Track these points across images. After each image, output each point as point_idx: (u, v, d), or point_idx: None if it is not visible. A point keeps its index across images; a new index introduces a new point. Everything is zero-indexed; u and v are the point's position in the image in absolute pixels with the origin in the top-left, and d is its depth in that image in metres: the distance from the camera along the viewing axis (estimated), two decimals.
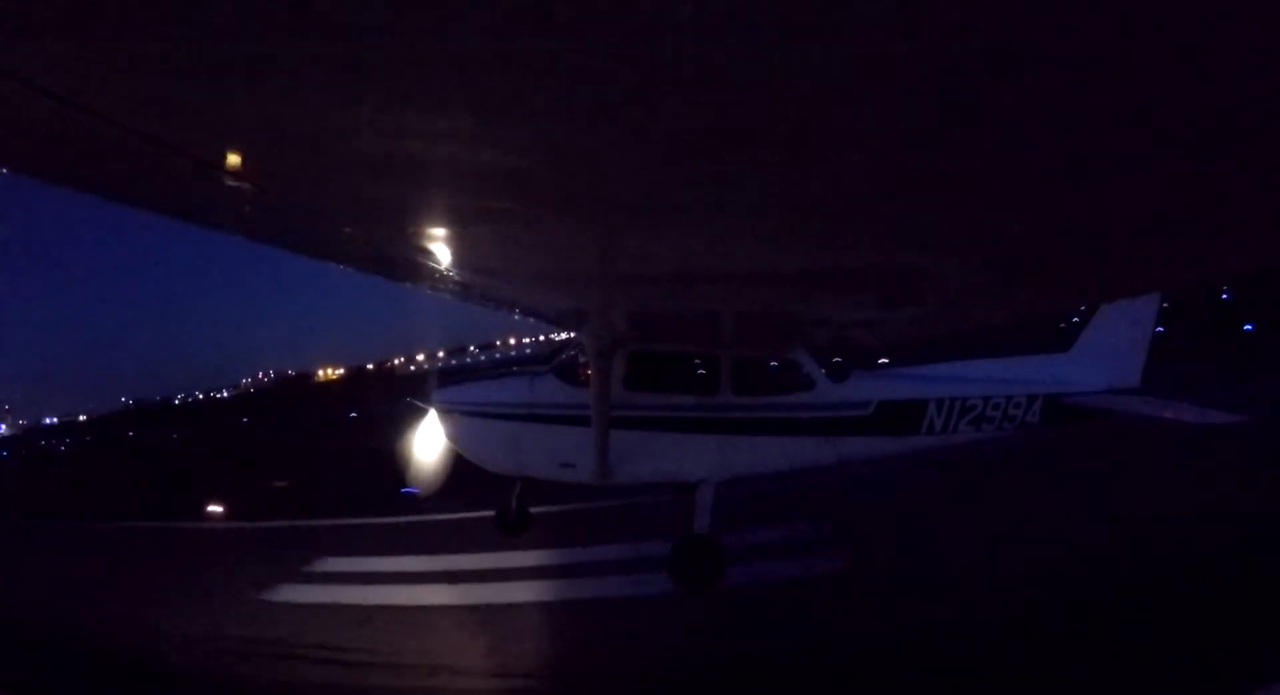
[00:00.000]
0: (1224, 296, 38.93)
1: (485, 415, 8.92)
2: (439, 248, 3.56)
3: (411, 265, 4.00)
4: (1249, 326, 34.56)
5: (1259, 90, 1.59)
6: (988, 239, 3.37)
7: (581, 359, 8.88)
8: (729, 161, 2.15)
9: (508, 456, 8.88)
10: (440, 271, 4.26)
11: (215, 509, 14.67)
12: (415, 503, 11.79)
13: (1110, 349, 9.58)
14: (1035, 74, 1.52)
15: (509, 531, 9.96)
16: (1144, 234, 3.20)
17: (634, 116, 1.81)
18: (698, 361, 8.69)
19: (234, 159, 2.06)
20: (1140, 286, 7.09)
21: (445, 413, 9.22)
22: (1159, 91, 1.61)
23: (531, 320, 9.15)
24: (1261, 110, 1.70)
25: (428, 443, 9.24)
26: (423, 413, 9.50)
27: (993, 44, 1.39)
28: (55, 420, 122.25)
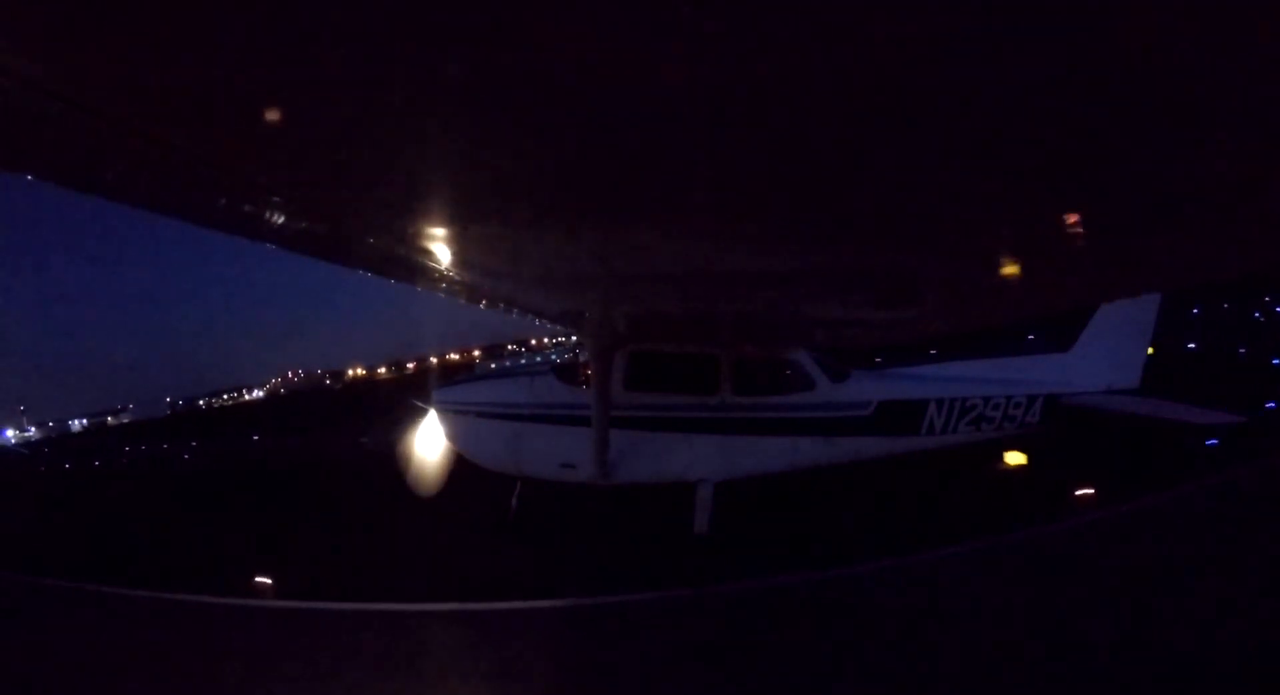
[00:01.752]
0: None
1: (485, 415, 8.95)
2: (439, 249, 3.57)
3: (411, 266, 4.01)
4: None
5: (1255, 91, 1.59)
6: (986, 238, 3.38)
7: (581, 359, 8.91)
8: (729, 163, 2.16)
9: (508, 456, 8.90)
10: (440, 272, 4.27)
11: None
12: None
13: (1110, 349, 9.60)
14: (1032, 75, 1.52)
15: (508, 533, 9.97)
16: (1142, 234, 3.21)
17: (634, 118, 1.82)
18: (698, 361, 8.71)
19: (241, 161, 2.07)
20: (1140, 286, 7.10)
21: (445, 413, 9.24)
22: (1155, 92, 1.62)
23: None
24: (1256, 110, 1.70)
25: (428, 443, 9.25)
26: (423, 413, 9.52)
27: (990, 47, 1.40)
28: (84, 422, 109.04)
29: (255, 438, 33.62)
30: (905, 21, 1.31)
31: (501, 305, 7.10)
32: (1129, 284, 6.05)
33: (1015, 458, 10.53)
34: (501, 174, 2.30)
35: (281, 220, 2.69)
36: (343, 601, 7.96)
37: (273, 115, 1.72)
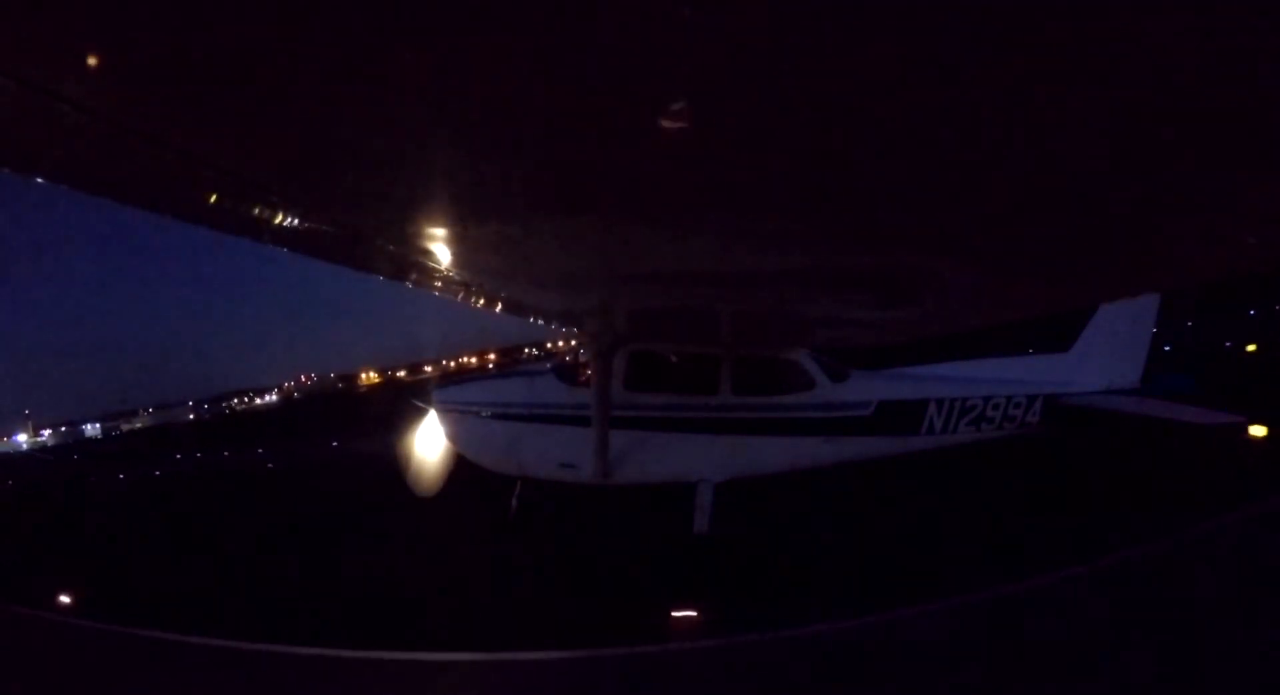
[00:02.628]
0: None
1: (485, 415, 8.95)
2: (439, 249, 3.57)
3: (413, 267, 4.02)
4: None
5: (1252, 91, 1.60)
6: (986, 239, 3.38)
7: (581, 359, 8.92)
8: (729, 163, 2.16)
9: (508, 456, 8.90)
10: (441, 273, 4.27)
11: None
12: None
13: (1110, 349, 9.60)
14: (1029, 77, 1.53)
15: (508, 533, 9.96)
16: (1141, 235, 3.21)
17: (635, 118, 1.82)
18: (698, 361, 8.71)
19: (242, 162, 2.07)
20: (1140, 286, 7.10)
21: (445, 412, 9.24)
22: (1152, 93, 1.62)
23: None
24: (1254, 110, 1.71)
25: (428, 443, 9.25)
26: (423, 413, 9.52)
27: (988, 49, 1.40)
28: (98, 427, 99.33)
29: (274, 444, 31.69)
30: (905, 23, 1.31)
31: (502, 306, 7.11)
32: (1129, 284, 6.05)
33: (1258, 430, 10.54)
34: (501, 174, 2.31)
35: (282, 221, 2.69)
36: (354, 649, 7.27)
37: (275, 116, 1.73)
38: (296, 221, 2.90)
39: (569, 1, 1.26)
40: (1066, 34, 1.35)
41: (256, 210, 2.57)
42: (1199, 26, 1.31)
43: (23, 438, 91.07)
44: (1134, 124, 1.82)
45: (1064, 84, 1.57)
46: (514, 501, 9.72)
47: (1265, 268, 4.12)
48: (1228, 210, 2.78)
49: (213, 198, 2.42)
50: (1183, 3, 1.25)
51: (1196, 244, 3.52)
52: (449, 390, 9.58)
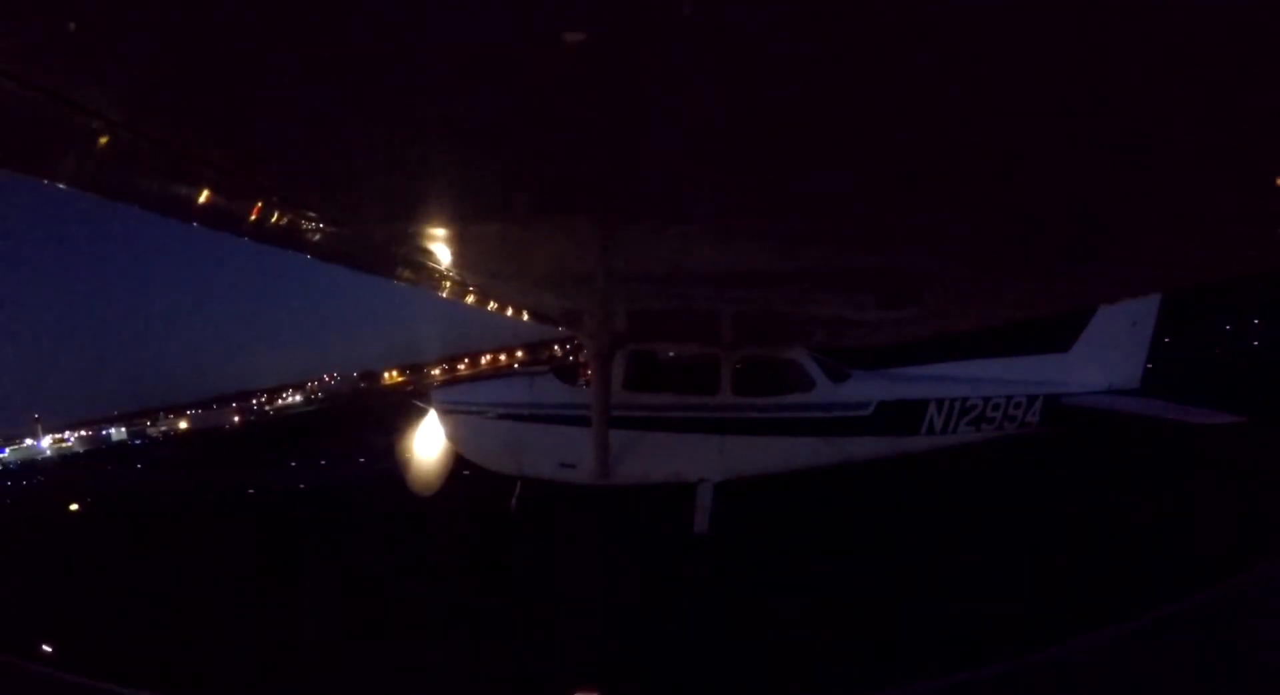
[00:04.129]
0: None
1: (485, 415, 8.95)
2: (440, 249, 3.58)
3: (414, 268, 4.02)
4: None
5: (1250, 94, 1.60)
6: (985, 239, 3.38)
7: (581, 359, 8.93)
8: (730, 162, 2.16)
9: (508, 457, 8.90)
10: (442, 273, 4.28)
11: None
12: None
13: (1110, 349, 9.59)
14: (1032, 78, 1.52)
15: (508, 533, 9.95)
16: (1140, 235, 3.21)
17: (636, 118, 1.82)
18: (698, 361, 8.71)
19: (244, 164, 2.07)
20: (1140, 287, 7.10)
21: (445, 413, 9.24)
22: (1150, 95, 1.62)
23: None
24: (1251, 114, 1.71)
25: (428, 443, 9.24)
26: (423, 413, 9.52)
27: (990, 49, 1.40)
28: (123, 432, 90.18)
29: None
30: (908, 24, 1.31)
31: (503, 306, 7.11)
32: (1129, 284, 6.05)
33: None
34: (504, 174, 2.31)
35: (286, 222, 2.69)
36: None
37: (277, 117, 1.72)
38: (300, 223, 2.90)
39: (573, 2, 1.26)
40: (1067, 37, 1.34)
41: (260, 212, 2.57)
42: (1197, 29, 1.31)
43: (45, 442, 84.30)
44: (1133, 125, 1.82)
45: (1065, 86, 1.57)
46: (514, 502, 9.71)
47: (1265, 268, 4.12)
48: (1226, 211, 2.78)
49: (208, 196, 2.42)
50: (1179, 8, 1.25)
51: (1196, 244, 3.52)
52: (449, 390, 9.58)
